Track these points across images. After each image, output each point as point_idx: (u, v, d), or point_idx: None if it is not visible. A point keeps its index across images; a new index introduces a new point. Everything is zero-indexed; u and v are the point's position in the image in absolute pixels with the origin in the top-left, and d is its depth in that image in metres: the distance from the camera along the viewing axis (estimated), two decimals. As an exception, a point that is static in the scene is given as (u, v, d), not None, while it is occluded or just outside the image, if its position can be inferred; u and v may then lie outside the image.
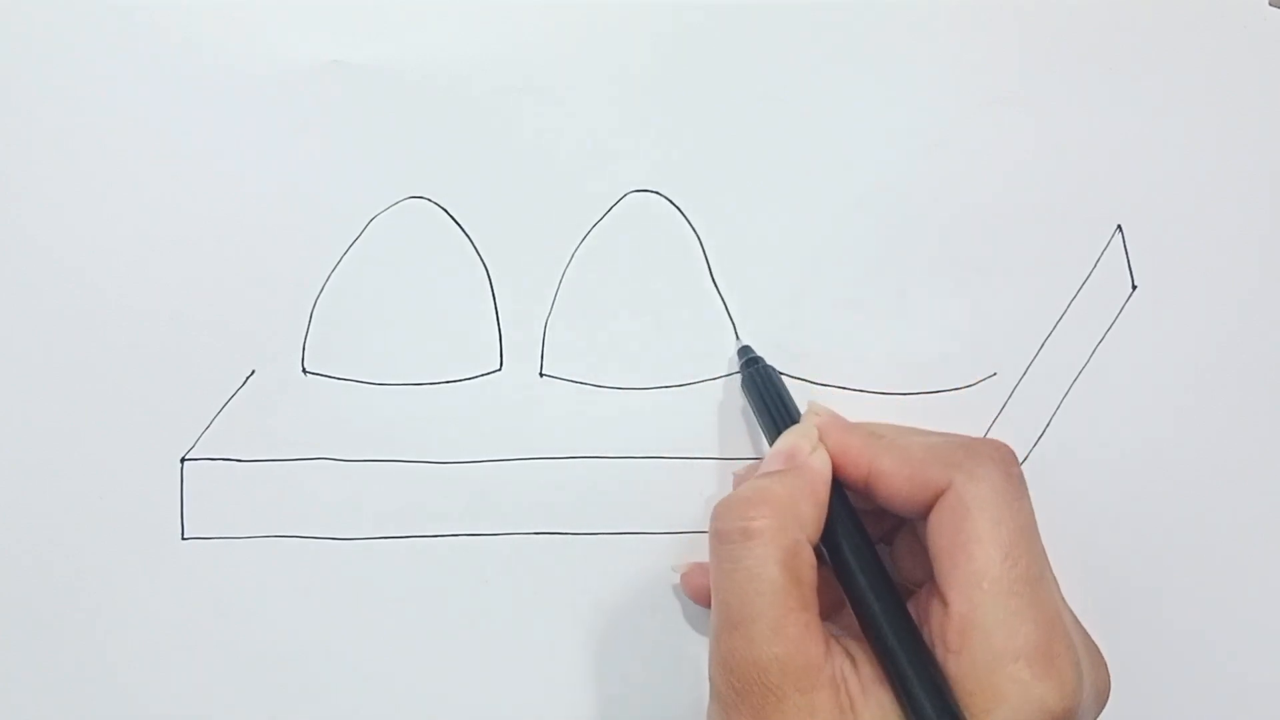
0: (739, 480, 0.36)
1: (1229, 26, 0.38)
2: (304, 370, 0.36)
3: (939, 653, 0.30)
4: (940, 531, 0.30)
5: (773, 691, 0.29)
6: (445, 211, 0.37)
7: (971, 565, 0.30)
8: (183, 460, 0.36)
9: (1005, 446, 0.32)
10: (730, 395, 0.37)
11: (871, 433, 0.33)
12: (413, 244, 0.36)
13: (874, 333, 0.37)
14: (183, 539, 0.36)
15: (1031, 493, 0.37)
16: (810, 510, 0.31)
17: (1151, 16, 0.37)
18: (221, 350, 0.36)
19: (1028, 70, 0.37)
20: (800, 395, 0.37)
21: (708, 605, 0.33)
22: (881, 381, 0.37)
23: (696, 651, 0.37)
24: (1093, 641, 0.32)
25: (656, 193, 0.37)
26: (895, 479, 0.32)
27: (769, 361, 0.36)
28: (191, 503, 0.36)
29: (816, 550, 0.31)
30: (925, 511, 0.31)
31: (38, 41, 0.35)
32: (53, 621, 0.36)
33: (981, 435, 0.38)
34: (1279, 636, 0.38)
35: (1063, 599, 0.32)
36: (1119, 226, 0.38)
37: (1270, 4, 0.38)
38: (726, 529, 0.31)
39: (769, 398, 0.35)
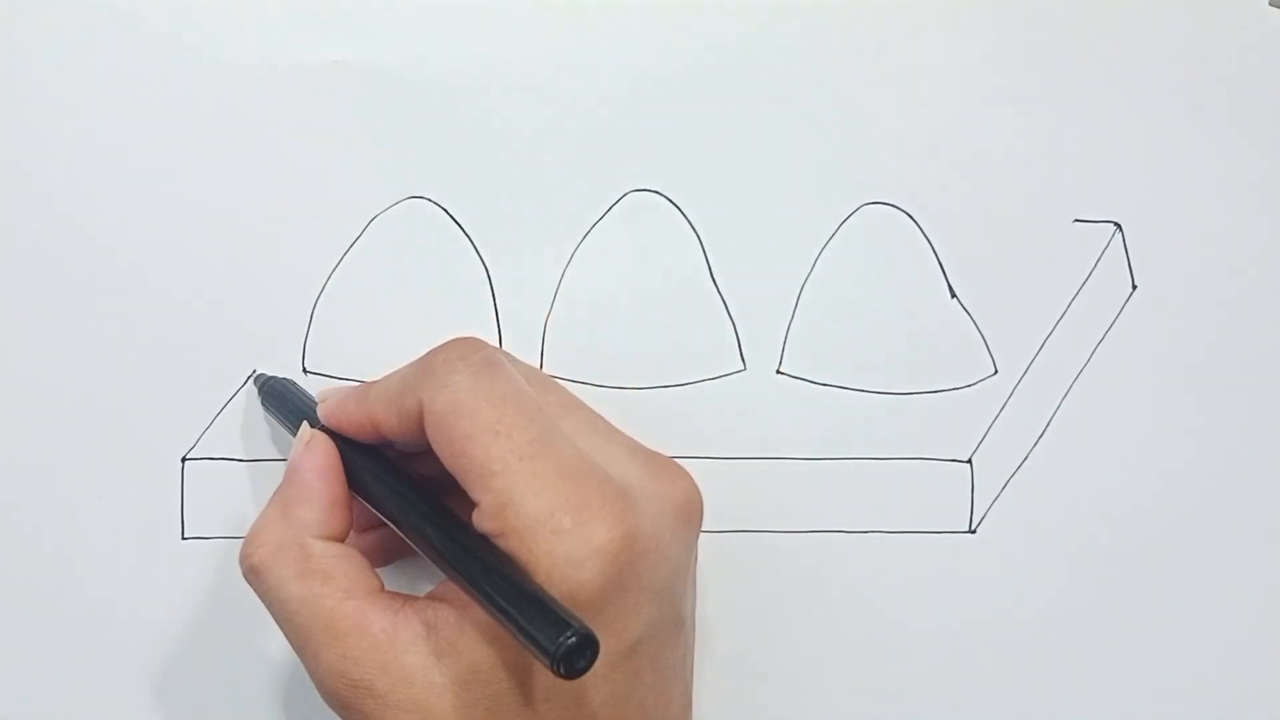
0: None
1: (1229, 26, 0.38)
2: (304, 370, 0.36)
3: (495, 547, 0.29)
4: (440, 449, 0.30)
5: (360, 687, 0.29)
6: (445, 211, 0.37)
7: (474, 463, 0.29)
8: (183, 460, 0.36)
9: (463, 339, 0.32)
10: (731, 395, 0.37)
11: (367, 386, 0.33)
12: (413, 244, 0.36)
13: (874, 333, 0.37)
14: (183, 539, 0.36)
15: (1030, 494, 0.38)
16: (306, 511, 0.31)
17: (1151, 17, 0.37)
18: (222, 350, 0.36)
19: (1028, 70, 0.37)
20: (798, 395, 0.37)
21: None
22: (881, 381, 0.37)
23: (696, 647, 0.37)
24: (661, 459, 0.33)
25: (656, 193, 0.37)
26: (390, 422, 0.31)
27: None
28: (191, 503, 0.36)
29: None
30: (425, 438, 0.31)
31: (38, 41, 0.35)
32: (53, 621, 0.36)
33: (982, 435, 0.38)
34: (1278, 636, 0.38)
35: (601, 429, 0.33)
36: (1119, 226, 0.38)
37: (1270, 4, 0.38)
38: (243, 572, 0.31)
39: (286, 411, 0.35)
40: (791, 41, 0.37)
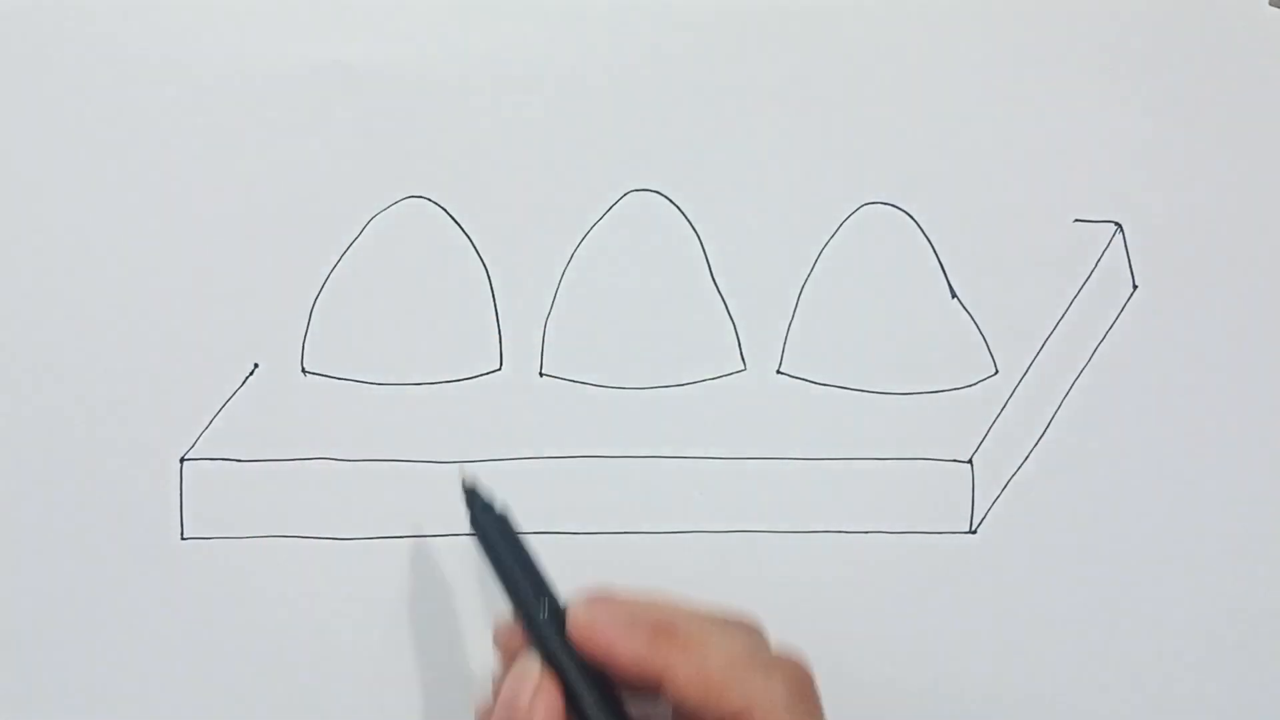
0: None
1: (1229, 26, 0.38)
2: (303, 370, 0.36)
3: None
4: None
5: None
6: (445, 211, 0.37)
7: None
8: (182, 460, 0.36)
9: (802, 666, 0.31)
10: (731, 395, 0.37)
11: (662, 631, 0.30)
12: (413, 244, 0.36)
13: (874, 333, 0.37)
14: (182, 539, 0.36)
15: (1030, 494, 0.38)
16: None
17: (1151, 16, 0.37)
18: (221, 350, 0.36)
19: (1028, 70, 0.37)
20: (799, 396, 0.37)
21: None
22: (881, 381, 0.37)
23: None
24: None
25: (657, 192, 0.37)
26: (690, 690, 0.29)
27: (758, 369, 0.36)
28: (191, 503, 0.36)
29: None
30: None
31: (38, 41, 0.35)
32: (53, 621, 0.36)
33: (982, 435, 0.38)
34: (1278, 636, 0.38)
35: None
36: (1119, 226, 0.38)
37: (1270, 4, 0.38)
38: None
39: (506, 563, 0.31)
40: (791, 41, 0.37)
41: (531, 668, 0.30)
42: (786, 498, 0.37)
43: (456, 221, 0.37)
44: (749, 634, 0.31)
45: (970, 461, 0.38)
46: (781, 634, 0.37)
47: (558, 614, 0.31)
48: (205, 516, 0.36)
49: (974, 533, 0.38)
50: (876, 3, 0.37)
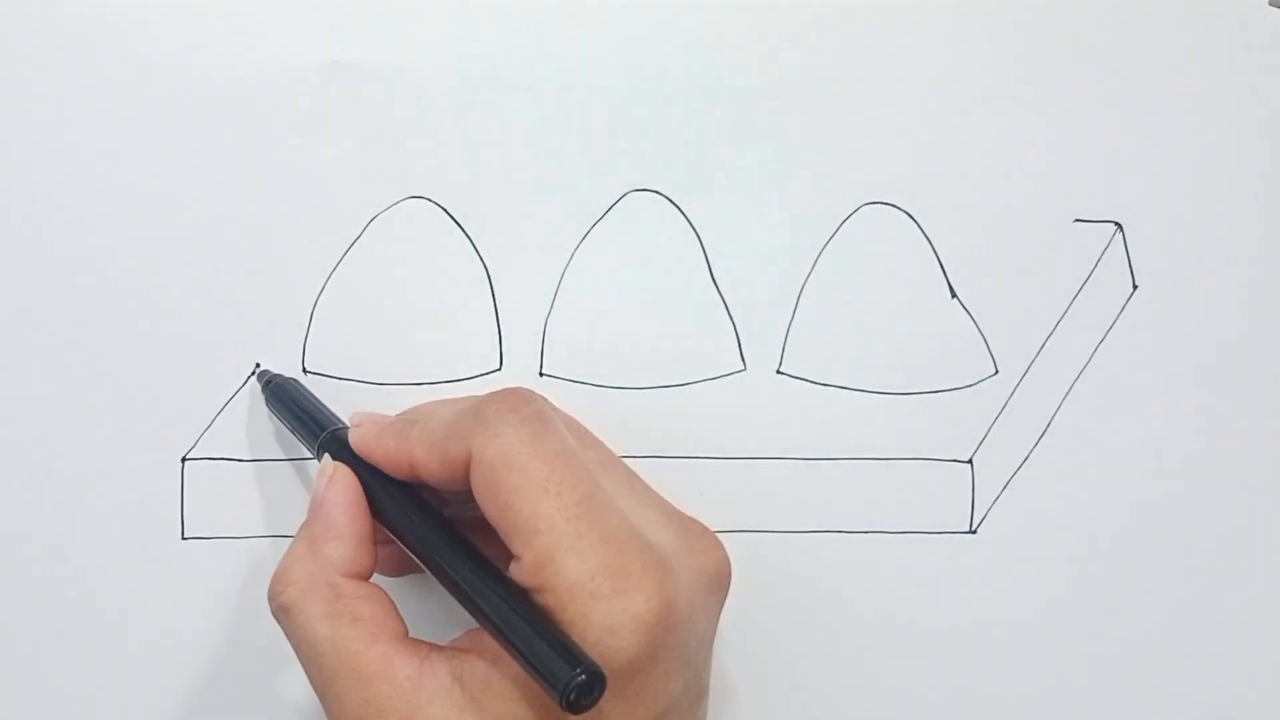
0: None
1: (1229, 26, 0.38)
2: (304, 370, 0.36)
3: (532, 600, 0.29)
4: (485, 499, 0.30)
5: None
6: (445, 211, 0.37)
7: (520, 518, 0.29)
8: (183, 460, 0.36)
9: (514, 391, 0.31)
10: (731, 395, 0.37)
11: (407, 422, 0.32)
12: (413, 244, 0.36)
13: (874, 333, 0.37)
14: (183, 539, 0.36)
15: (1031, 494, 0.38)
16: (334, 548, 0.31)
17: (1150, 16, 0.37)
18: (222, 350, 0.36)
19: (1028, 70, 0.37)
20: (798, 395, 0.37)
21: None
22: (881, 381, 0.37)
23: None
24: (695, 525, 0.33)
25: (657, 192, 0.37)
26: (430, 465, 0.31)
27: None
28: (191, 503, 0.36)
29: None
30: (468, 486, 0.31)
31: (37, 41, 0.35)
32: (53, 621, 0.36)
33: (982, 435, 0.38)
34: (1278, 636, 0.38)
35: (638, 490, 0.32)
36: (1119, 226, 0.38)
37: (1270, 4, 0.38)
38: (272, 610, 0.31)
39: (294, 416, 0.35)
40: (791, 41, 0.37)
41: (327, 464, 0.33)
42: (786, 498, 0.37)
43: (456, 221, 0.37)
44: (471, 399, 0.32)
45: (970, 461, 0.38)
46: (782, 634, 0.38)
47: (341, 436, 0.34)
48: (205, 516, 0.36)
49: (974, 533, 0.38)
50: (877, 3, 0.37)
